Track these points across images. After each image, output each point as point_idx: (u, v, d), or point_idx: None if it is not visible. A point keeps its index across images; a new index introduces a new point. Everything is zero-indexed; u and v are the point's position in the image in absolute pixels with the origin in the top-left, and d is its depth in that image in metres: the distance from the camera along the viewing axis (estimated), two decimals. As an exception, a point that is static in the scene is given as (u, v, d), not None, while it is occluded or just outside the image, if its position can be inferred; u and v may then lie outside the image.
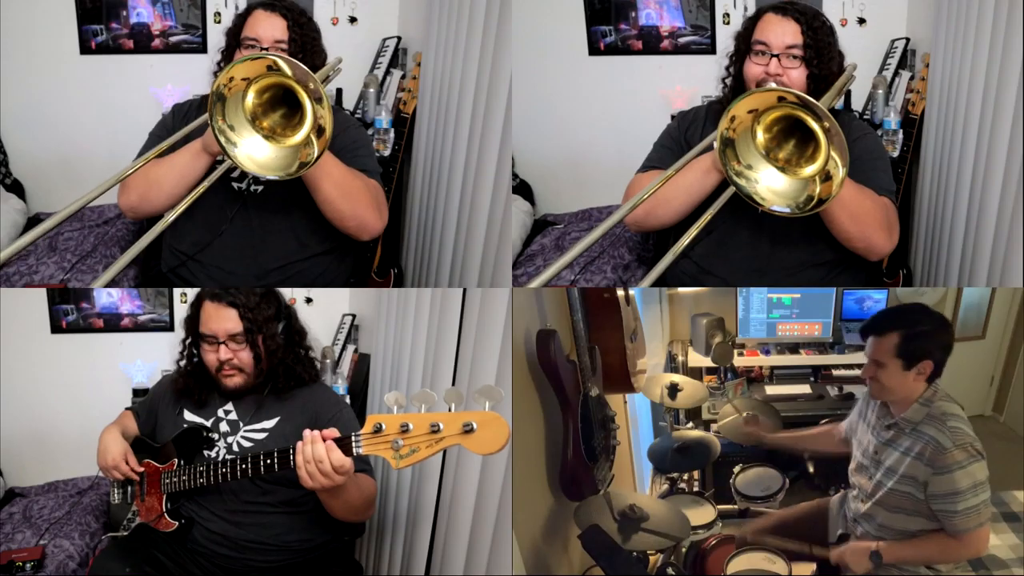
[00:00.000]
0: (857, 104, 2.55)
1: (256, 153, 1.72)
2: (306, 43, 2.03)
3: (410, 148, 2.61)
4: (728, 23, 2.70)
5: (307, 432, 1.55)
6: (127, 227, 2.61)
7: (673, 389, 2.65)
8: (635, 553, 1.96)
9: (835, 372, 3.36)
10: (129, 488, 1.97)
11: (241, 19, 2.05)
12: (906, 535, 1.87)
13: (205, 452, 1.86)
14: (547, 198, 2.96)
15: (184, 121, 2.03)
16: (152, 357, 2.79)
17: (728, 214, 1.84)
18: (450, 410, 1.41)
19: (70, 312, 2.79)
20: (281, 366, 1.87)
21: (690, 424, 3.11)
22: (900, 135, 2.43)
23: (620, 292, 2.23)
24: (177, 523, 1.84)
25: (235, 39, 2.04)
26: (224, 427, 1.87)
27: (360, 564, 2.18)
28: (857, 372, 3.23)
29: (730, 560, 2.10)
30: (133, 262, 2.44)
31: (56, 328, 2.79)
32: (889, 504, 1.87)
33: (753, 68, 1.91)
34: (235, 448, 1.85)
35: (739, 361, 3.35)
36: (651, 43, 2.77)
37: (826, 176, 1.59)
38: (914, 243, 2.47)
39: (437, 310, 2.10)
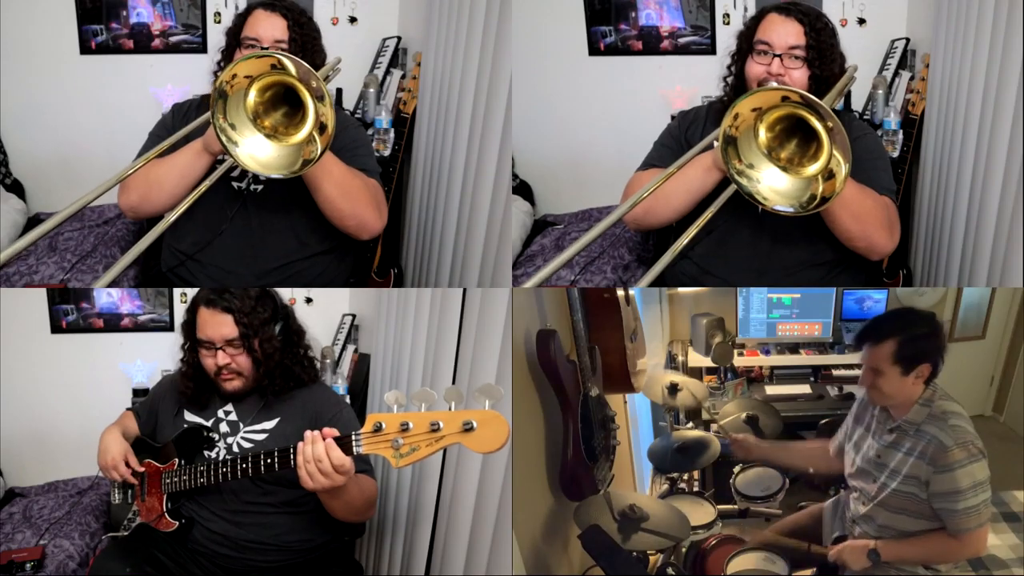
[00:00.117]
0: (857, 104, 2.55)
1: (258, 152, 1.72)
2: (306, 43, 2.03)
3: (410, 148, 2.61)
4: (728, 23, 2.70)
5: (307, 432, 1.55)
6: (127, 227, 2.61)
7: (673, 389, 2.65)
8: (635, 553, 1.96)
9: (835, 372, 3.36)
10: (129, 488, 1.97)
11: (241, 19, 2.05)
12: (906, 535, 1.87)
13: (205, 452, 1.86)
14: (547, 198, 2.96)
15: (184, 121, 2.03)
16: (152, 357, 2.79)
17: (728, 214, 1.84)
18: (450, 409, 1.40)
19: (70, 312, 2.79)
20: (279, 368, 1.86)
21: (690, 424, 3.11)
22: (900, 135, 2.43)
23: (620, 292, 2.23)
24: (177, 523, 1.84)
25: (235, 39, 2.04)
26: (224, 428, 1.87)
27: (360, 564, 2.18)
28: (857, 372, 3.23)
29: (730, 560, 2.10)
30: (133, 262, 2.45)
31: (56, 328, 2.79)
32: (892, 505, 1.87)
33: (755, 67, 1.91)
34: (235, 449, 1.85)
35: (739, 361, 3.35)
36: (651, 43, 2.77)
37: (829, 174, 1.59)
38: (914, 243, 2.47)
39: (437, 310, 2.10)
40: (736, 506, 2.61)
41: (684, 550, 2.37)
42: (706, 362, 3.27)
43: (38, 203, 2.83)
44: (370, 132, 2.54)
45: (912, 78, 2.53)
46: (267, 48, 1.97)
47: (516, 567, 1.79)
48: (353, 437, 1.49)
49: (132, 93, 2.76)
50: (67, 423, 2.81)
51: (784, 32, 1.89)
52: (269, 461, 1.63)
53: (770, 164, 1.65)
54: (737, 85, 1.98)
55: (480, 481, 1.87)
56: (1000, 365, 4.06)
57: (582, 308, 2.13)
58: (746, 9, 2.68)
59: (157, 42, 2.75)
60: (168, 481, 1.85)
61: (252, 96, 1.70)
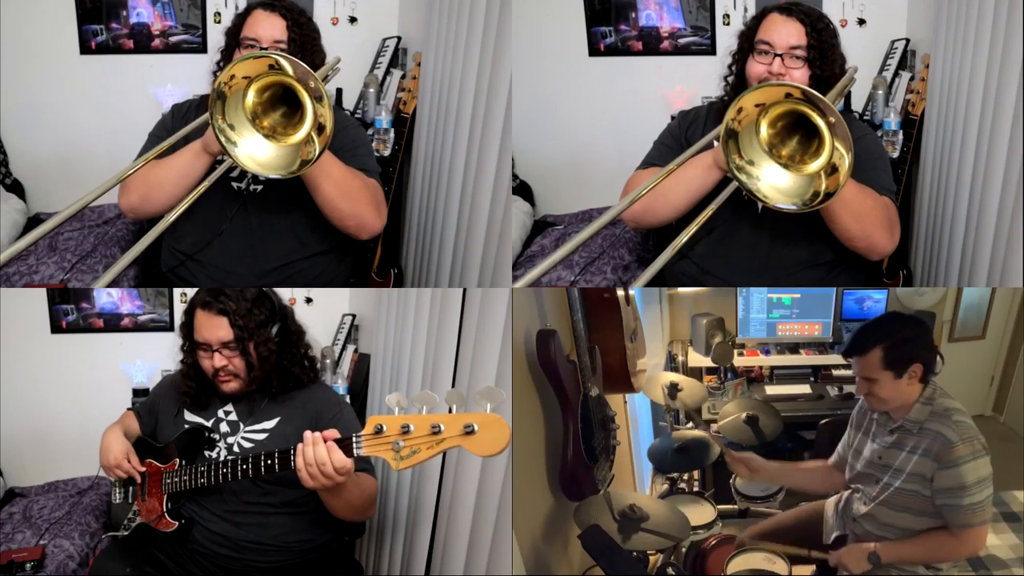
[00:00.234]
0: (857, 105, 2.55)
1: (257, 152, 1.72)
2: (305, 43, 2.03)
3: (410, 148, 2.61)
4: (728, 24, 2.70)
5: (307, 434, 1.55)
6: (127, 227, 2.61)
7: (673, 389, 2.65)
8: (635, 553, 1.96)
9: (835, 372, 3.36)
10: (130, 488, 1.97)
11: (240, 19, 2.05)
12: (908, 534, 1.87)
13: (206, 453, 1.86)
14: (547, 198, 2.95)
15: (184, 121, 2.03)
16: (152, 357, 2.79)
17: (728, 213, 1.85)
18: (451, 411, 1.40)
19: (70, 312, 2.79)
20: (276, 370, 1.85)
21: (690, 424, 3.11)
22: (900, 136, 2.43)
23: (620, 292, 2.23)
24: (177, 523, 1.84)
25: (234, 39, 2.04)
26: (224, 428, 1.87)
27: (360, 564, 2.18)
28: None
29: (730, 560, 2.10)
30: (133, 262, 2.45)
31: (56, 328, 2.79)
32: (894, 504, 1.87)
33: (756, 67, 1.91)
34: (235, 449, 1.85)
35: (739, 361, 3.35)
36: (651, 44, 2.77)
37: (832, 169, 1.59)
38: (914, 243, 2.47)
39: (437, 310, 2.10)
40: (736, 506, 2.61)
41: (684, 550, 2.37)
42: (706, 362, 3.27)
43: (38, 203, 2.83)
44: (370, 132, 2.54)
45: (912, 78, 2.53)
46: (266, 48, 1.97)
47: (516, 567, 1.79)
48: (354, 439, 1.49)
49: (132, 93, 2.76)
50: (67, 423, 2.81)
51: (785, 32, 1.89)
52: (270, 462, 1.63)
53: (771, 161, 1.65)
54: (738, 85, 1.98)
55: (480, 481, 1.87)
56: (1000, 365, 4.06)
57: (582, 308, 2.13)
58: (746, 9, 2.68)
59: (157, 42, 2.75)
60: (168, 481, 1.85)
61: (251, 97, 1.70)
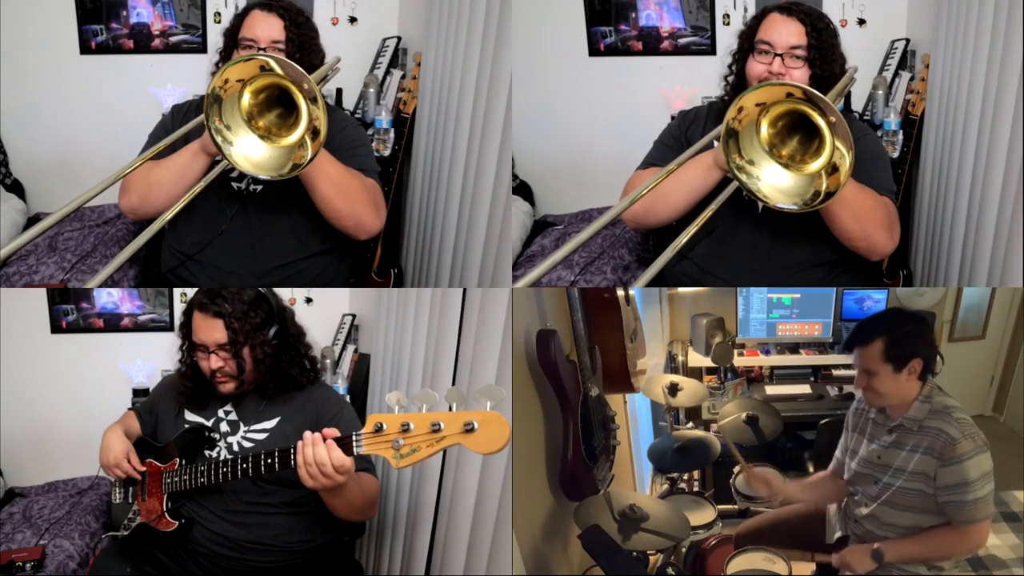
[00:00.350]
0: (857, 105, 2.55)
1: (251, 152, 1.75)
2: (303, 43, 2.03)
3: (410, 148, 2.61)
4: (728, 24, 2.70)
5: (307, 434, 1.55)
6: (127, 227, 2.61)
7: (673, 389, 2.65)
8: (635, 553, 1.96)
9: (835, 372, 3.36)
10: (130, 488, 1.97)
11: (239, 19, 2.05)
12: (911, 532, 1.87)
13: (206, 452, 1.86)
14: (547, 198, 2.95)
15: (183, 121, 2.03)
16: (152, 357, 2.79)
17: (729, 214, 1.85)
18: (451, 410, 1.40)
19: (70, 312, 2.79)
20: (272, 373, 1.85)
21: (690, 424, 3.11)
22: (900, 136, 2.43)
23: (620, 292, 2.23)
24: (177, 523, 1.84)
25: (233, 40, 2.04)
26: (224, 427, 1.87)
27: (360, 564, 2.18)
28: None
29: (730, 560, 2.10)
30: (133, 262, 2.46)
31: (56, 328, 2.79)
32: (897, 503, 1.87)
33: (756, 67, 1.91)
34: (235, 448, 1.85)
35: (739, 361, 3.35)
36: (651, 44, 2.77)
37: (832, 168, 1.59)
38: (914, 243, 2.47)
39: (437, 310, 2.10)
40: (736, 506, 2.61)
41: (684, 550, 2.37)
42: (706, 362, 3.27)
43: (38, 203, 2.83)
44: (370, 132, 2.54)
45: (912, 78, 2.53)
46: (263, 49, 1.98)
47: (516, 567, 1.79)
48: (354, 437, 1.49)
49: (132, 93, 2.76)
50: (67, 423, 2.81)
51: (786, 32, 1.89)
52: (270, 461, 1.63)
53: (771, 161, 1.65)
54: (738, 84, 1.98)
55: (480, 481, 1.87)
56: (1000, 365, 4.05)
57: (582, 308, 2.13)
58: (746, 9, 2.67)
59: (157, 42, 2.75)
60: (169, 481, 1.85)
61: (246, 98, 1.73)
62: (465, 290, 2.02)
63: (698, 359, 3.31)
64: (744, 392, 3.33)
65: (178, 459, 1.85)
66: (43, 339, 2.78)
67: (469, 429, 1.37)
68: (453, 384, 2.02)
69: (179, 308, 2.78)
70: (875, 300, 3.35)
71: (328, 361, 2.58)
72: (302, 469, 1.54)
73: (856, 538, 1.99)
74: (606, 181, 2.65)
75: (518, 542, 1.81)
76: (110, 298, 2.80)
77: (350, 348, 2.76)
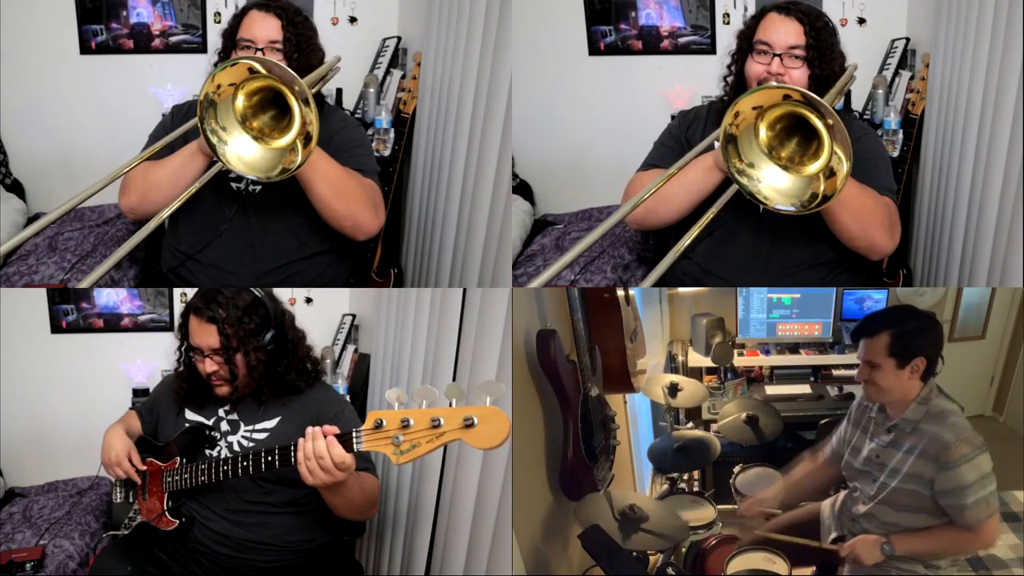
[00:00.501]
0: (857, 104, 2.55)
1: (244, 152, 1.78)
2: (301, 42, 2.03)
3: (410, 148, 2.61)
4: (728, 23, 2.70)
5: (309, 429, 1.55)
6: (127, 227, 2.61)
7: (673, 389, 2.65)
8: (635, 553, 1.96)
9: (835, 372, 3.36)
10: (131, 487, 1.97)
11: (237, 20, 2.06)
12: (913, 531, 1.87)
13: (207, 452, 1.86)
14: (547, 198, 2.96)
15: (183, 122, 2.03)
16: (152, 357, 2.79)
17: (729, 214, 1.84)
18: (451, 406, 1.40)
19: (70, 312, 2.79)
20: (266, 378, 1.84)
21: (690, 424, 3.11)
22: (900, 135, 2.43)
23: (620, 292, 2.23)
24: (177, 521, 1.84)
25: (231, 40, 2.04)
26: (224, 427, 1.87)
27: (360, 564, 2.18)
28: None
29: (730, 560, 2.10)
30: (133, 262, 2.46)
31: (56, 328, 2.79)
32: (894, 503, 1.87)
33: (755, 67, 1.91)
34: (236, 448, 1.85)
35: (739, 361, 3.35)
36: (651, 43, 2.78)
37: (830, 173, 1.60)
38: (914, 243, 2.47)
39: (437, 310, 2.10)
40: (736, 506, 2.61)
41: (684, 550, 2.37)
42: (706, 362, 3.27)
43: (38, 203, 2.83)
44: (370, 132, 2.54)
45: (912, 78, 2.53)
46: (261, 49, 1.98)
47: (516, 567, 1.79)
48: (354, 434, 1.49)
49: (132, 93, 2.76)
50: (67, 423, 2.81)
51: (784, 31, 1.89)
52: (270, 459, 1.63)
53: (771, 163, 1.65)
54: (737, 85, 1.98)
55: (480, 481, 1.86)
56: (1000, 365, 4.06)
57: (582, 308, 2.13)
58: (746, 8, 2.68)
59: (157, 42, 2.75)
60: (169, 480, 1.85)
61: (240, 100, 1.76)
62: (465, 290, 2.02)
63: (698, 359, 3.31)
64: (744, 392, 3.33)
65: (179, 458, 1.85)
66: (43, 339, 2.78)
67: (469, 424, 1.37)
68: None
69: (179, 308, 2.78)
70: (875, 300, 3.35)
71: (328, 361, 2.58)
72: (302, 464, 1.54)
73: (854, 537, 1.99)
74: (606, 180, 2.66)
75: (518, 542, 1.81)
76: (110, 298, 2.80)
77: (350, 348, 2.76)
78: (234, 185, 2.05)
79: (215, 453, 1.85)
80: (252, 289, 1.84)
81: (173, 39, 2.75)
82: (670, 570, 2.19)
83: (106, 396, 2.74)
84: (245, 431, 1.86)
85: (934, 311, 3.41)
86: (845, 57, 1.97)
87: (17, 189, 2.81)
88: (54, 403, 2.83)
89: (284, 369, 1.85)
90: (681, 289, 3.36)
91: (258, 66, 1.70)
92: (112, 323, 2.81)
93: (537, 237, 2.72)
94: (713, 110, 2.05)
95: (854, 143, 1.59)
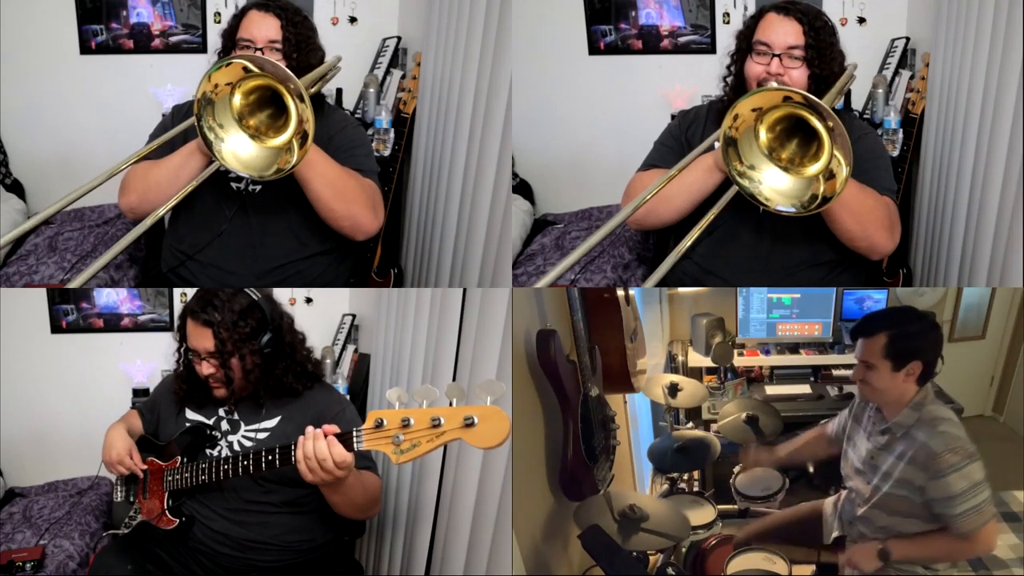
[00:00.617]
0: (857, 103, 2.55)
1: (240, 150, 1.79)
2: (300, 42, 2.03)
3: (410, 148, 2.61)
4: (728, 23, 2.70)
5: (309, 428, 1.55)
6: (127, 227, 2.61)
7: (673, 389, 2.65)
8: (635, 553, 1.96)
9: (835, 372, 3.36)
10: (132, 486, 1.97)
11: (236, 20, 2.06)
12: (909, 536, 1.87)
13: (208, 451, 1.86)
14: (547, 198, 2.96)
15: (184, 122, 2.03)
16: (152, 357, 2.79)
17: (729, 214, 1.84)
18: (451, 405, 1.40)
19: (70, 312, 2.79)
20: (263, 381, 1.83)
21: (690, 424, 3.11)
22: (900, 135, 2.43)
23: (620, 292, 2.23)
24: (178, 520, 1.84)
25: (231, 40, 2.05)
26: (225, 426, 1.87)
27: (360, 564, 2.18)
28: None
29: (730, 560, 2.10)
30: (133, 262, 2.46)
31: (56, 328, 2.79)
32: (887, 507, 1.87)
33: (754, 67, 1.91)
34: (236, 447, 1.85)
35: (739, 361, 3.35)
36: (651, 42, 2.78)
37: (829, 174, 1.60)
38: (914, 243, 2.47)
39: (437, 310, 2.10)
40: (736, 506, 2.61)
41: (684, 550, 2.37)
42: (706, 362, 3.26)
43: (38, 203, 2.83)
44: (370, 132, 2.54)
45: (912, 77, 2.53)
46: (260, 49, 1.99)
47: (516, 567, 1.79)
48: (354, 433, 1.49)
49: (132, 93, 2.76)
50: (67, 423, 2.81)
51: (783, 32, 1.89)
52: (271, 457, 1.63)
53: (771, 164, 1.66)
54: (737, 85, 1.98)
55: (480, 481, 1.86)
56: (1000, 365, 4.05)
57: (582, 308, 2.13)
58: (746, 8, 2.68)
59: (157, 42, 2.75)
60: (170, 479, 1.85)
61: (237, 99, 1.77)
62: (465, 290, 2.02)
63: (698, 359, 3.31)
64: (744, 392, 3.32)
65: (179, 457, 1.85)
66: (43, 339, 2.78)
67: (469, 424, 1.37)
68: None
69: (179, 308, 2.77)
70: (875, 300, 3.35)
71: (328, 361, 2.58)
72: (302, 463, 1.54)
73: (852, 540, 1.99)
74: (606, 180, 2.66)
75: (518, 542, 1.81)
76: (110, 298, 2.80)
77: (350, 348, 2.76)
78: (234, 185, 2.05)
79: (216, 452, 1.85)
80: (250, 291, 1.83)
81: (173, 39, 2.75)
82: (670, 570, 2.19)
83: (106, 396, 2.74)
84: (245, 431, 1.86)
85: (934, 311, 3.42)
86: (845, 57, 1.97)
87: (17, 189, 2.81)
88: (54, 403, 2.83)
89: (282, 372, 1.85)
90: (681, 289, 3.36)
91: (252, 65, 1.71)
92: (112, 323, 2.81)
93: (537, 237, 2.72)
94: (713, 110, 2.05)
95: (854, 143, 1.59)
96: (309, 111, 1.69)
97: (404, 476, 2.20)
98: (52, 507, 2.55)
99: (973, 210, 2.14)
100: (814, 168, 1.62)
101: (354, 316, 2.81)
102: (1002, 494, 2.61)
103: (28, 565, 2.25)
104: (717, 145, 1.73)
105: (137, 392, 2.75)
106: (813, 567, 2.11)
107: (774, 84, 1.86)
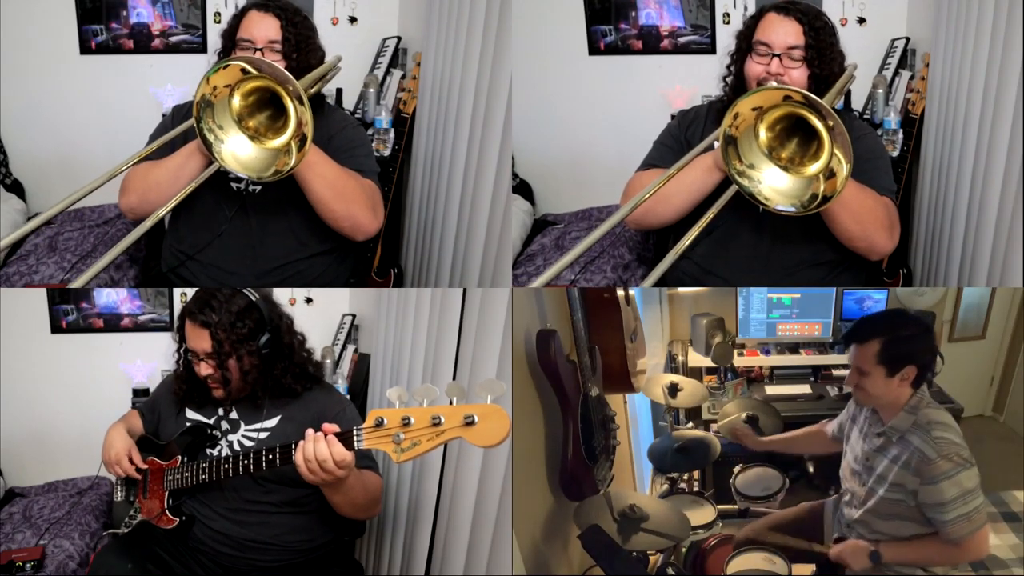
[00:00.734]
0: (857, 104, 2.55)
1: (239, 151, 1.80)
2: (300, 42, 2.03)
3: (410, 148, 2.61)
4: (728, 23, 2.70)
5: (309, 432, 1.55)
6: (127, 227, 2.61)
7: (673, 389, 2.65)
8: (635, 553, 1.96)
9: (835, 372, 3.36)
10: (132, 486, 1.97)
11: (236, 20, 2.06)
12: (902, 539, 1.87)
13: (208, 451, 1.86)
14: (547, 198, 2.96)
15: (184, 122, 2.03)
16: (152, 357, 2.79)
17: (729, 214, 1.84)
18: (451, 404, 1.41)
19: (70, 312, 2.79)
20: (263, 381, 1.83)
21: (690, 424, 3.11)
22: (900, 135, 2.43)
23: (620, 292, 2.23)
24: (178, 520, 1.84)
25: (230, 40, 2.05)
26: (225, 426, 1.87)
27: (360, 564, 2.18)
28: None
29: (730, 560, 2.10)
30: (133, 262, 2.46)
31: (56, 328, 2.79)
32: (882, 511, 1.87)
33: (754, 67, 1.91)
34: (236, 447, 1.85)
35: (739, 361, 3.35)
36: (651, 43, 2.78)
37: (830, 173, 1.60)
38: (914, 243, 2.47)
39: (437, 310, 2.10)
40: (736, 506, 2.61)
41: (684, 550, 2.37)
42: (706, 362, 3.26)
43: (38, 203, 2.83)
44: (370, 132, 2.54)
45: (912, 77, 2.53)
46: (260, 50, 1.99)
47: (516, 567, 1.79)
48: (354, 432, 1.49)
49: (132, 93, 2.76)
50: (67, 423, 2.81)
51: (783, 32, 1.89)
52: (271, 457, 1.63)
53: (771, 164, 1.66)
54: (736, 85, 1.98)
55: (480, 481, 1.87)
56: (1000, 365, 4.05)
57: (582, 308, 2.13)
58: (746, 8, 2.68)
59: (157, 42, 2.75)
60: (170, 478, 1.85)
61: (236, 100, 1.78)
62: (465, 290, 2.02)
63: (698, 359, 3.31)
64: (744, 392, 3.32)
65: (180, 457, 1.85)
66: (43, 339, 2.78)
67: (469, 422, 1.37)
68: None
69: (179, 308, 2.77)
70: (875, 300, 3.35)
71: (328, 361, 2.58)
72: (303, 466, 1.54)
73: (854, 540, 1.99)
74: (606, 180, 2.65)
75: (518, 542, 1.81)
76: (110, 298, 2.80)
77: (350, 348, 2.76)
78: (234, 185, 2.05)
79: (216, 452, 1.85)
80: (248, 292, 1.83)
81: (173, 39, 2.75)
82: (670, 570, 2.19)
83: (106, 396, 2.74)
84: (245, 430, 1.86)
85: (934, 311, 3.42)
86: (845, 57, 1.97)
87: (17, 189, 2.81)
88: (54, 403, 2.83)
89: (281, 372, 1.84)
90: (681, 289, 3.36)
91: (249, 66, 1.72)
92: (112, 323, 2.81)
93: (537, 237, 2.72)
94: (713, 110, 2.05)
95: (854, 143, 1.59)
96: (308, 113, 1.69)
97: (404, 476, 2.20)
98: (52, 507, 2.55)
99: (973, 210, 2.14)
100: (814, 167, 1.62)
101: (354, 316, 2.81)
102: (1002, 494, 2.61)
103: (28, 565, 2.25)
104: (716, 144, 1.73)
105: (137, 392, 2.75)
106: (813, 567, 2.11)
107: (774, 84, 1.86)
